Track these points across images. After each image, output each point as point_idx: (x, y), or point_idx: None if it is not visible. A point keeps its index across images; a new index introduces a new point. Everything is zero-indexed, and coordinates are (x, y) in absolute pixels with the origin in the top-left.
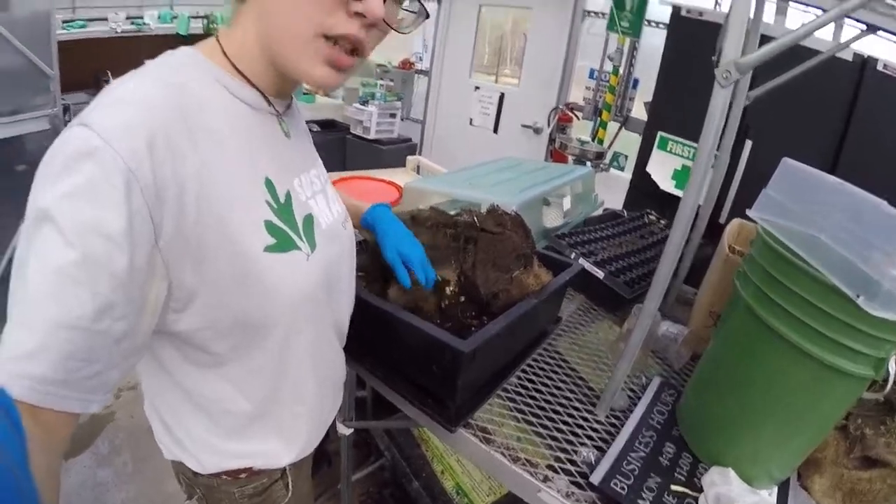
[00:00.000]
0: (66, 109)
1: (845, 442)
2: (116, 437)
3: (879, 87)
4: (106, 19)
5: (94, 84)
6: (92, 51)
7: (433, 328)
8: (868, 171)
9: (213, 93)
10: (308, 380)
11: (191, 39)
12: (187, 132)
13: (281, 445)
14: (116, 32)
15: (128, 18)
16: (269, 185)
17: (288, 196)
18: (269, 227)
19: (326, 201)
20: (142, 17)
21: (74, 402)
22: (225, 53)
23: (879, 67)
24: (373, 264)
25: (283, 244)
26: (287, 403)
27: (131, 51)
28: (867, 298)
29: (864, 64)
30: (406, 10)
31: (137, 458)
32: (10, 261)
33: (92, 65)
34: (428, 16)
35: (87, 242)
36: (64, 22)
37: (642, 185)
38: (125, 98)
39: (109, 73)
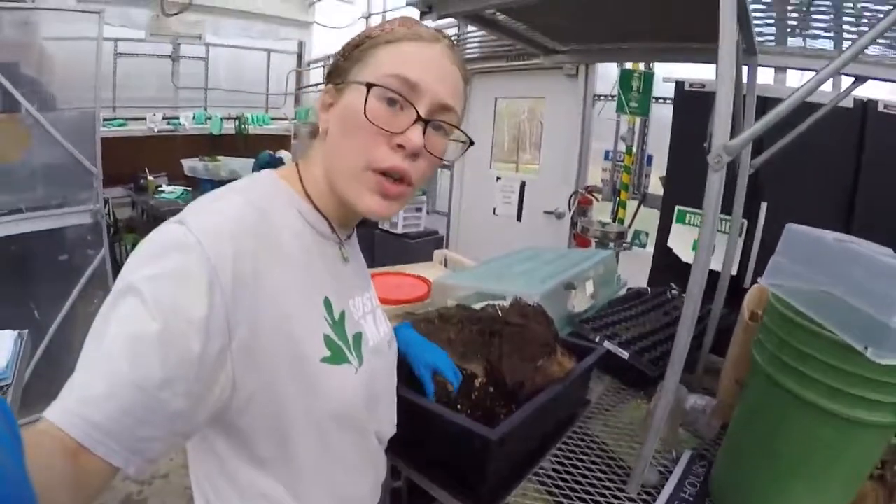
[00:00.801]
0: (105, 203)
1: (884, 490)
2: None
3: (883, 127)
4: (144, 119)
5: (131, 179)
6: (130, 148)
7: (463, 418)
8: (885, 211)
9: (289, 217)
10: (347, 481)
11: (223, 139)
12: (265, 249)
13: None
14: (153, 131)
15: (164, 118)
16: (328, 303)
17: (342, 315)
18: (328, 340)
19: (375, 322)
20: (177, 118)
21: (117, 456)
22: (302, 181)
23: (881, 108)
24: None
25: (336, 357)
26: (327, 501)
27: (167, 149)
28: (875, 349)
29: (865, 107)
30: (453, 140)
31: None
32: (52, 341)
33: (130, 161)
34: (472, 143)
35: (168, 319)
36: (105, 120)
37: (665, 260)
38: (219, 210)
39: (147, 170)
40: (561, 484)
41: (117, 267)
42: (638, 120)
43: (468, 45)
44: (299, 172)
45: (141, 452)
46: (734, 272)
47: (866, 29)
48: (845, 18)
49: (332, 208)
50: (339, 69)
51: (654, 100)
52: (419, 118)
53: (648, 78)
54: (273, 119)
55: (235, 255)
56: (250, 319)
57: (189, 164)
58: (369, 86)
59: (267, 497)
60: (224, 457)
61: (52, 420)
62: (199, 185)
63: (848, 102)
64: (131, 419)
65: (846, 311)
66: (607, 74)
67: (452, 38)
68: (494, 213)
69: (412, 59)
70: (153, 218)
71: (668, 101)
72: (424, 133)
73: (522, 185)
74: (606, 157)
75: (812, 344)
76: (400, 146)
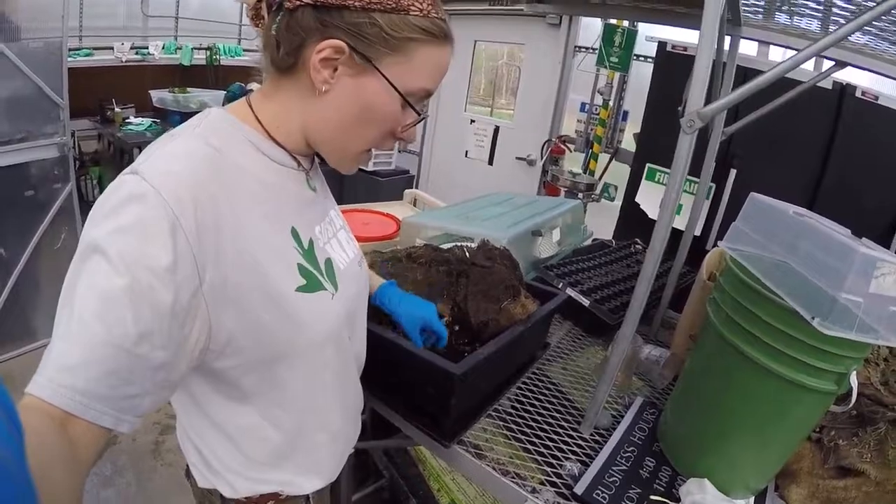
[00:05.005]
0: (71, 136)
1: (820, 453)
2: (119, 459)
3: (858, 112)
4: (111, 48)
5: (98, 111)
6: (97, 79)
7: (429, 353)
8: (850, 193)
9: (245, 152)
10: (334, 410)
11: (193, 70)
12: (224, 187)
13: (306, 473)
14: (121, 61)
15: (133, 48)
16: (295, 233)
17: (311, 243)
18: (301, 269)
19: (340, 243)
20: (146, 48)
21: (108, 418)
22: (258, 118)
23: (858, 94)
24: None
25: (311, 285)
26: (313, 433)
27: (135, 80)
28: (822, 319)
29: (843, 91)
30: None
31: (140, 479)
32: (19, 278)
33: (96, 93)
34: (426, 118)
35: (133, 272)
36: (71, 50)
37: (632, 215)
38: (173, 153)
39: (114, 101)
40: (519, 421)
41: (84, 202)
42: (617, 75)
43: None
44: (251, 106)
45: (130, 410)
46: (698, 233)
47: (856, 10)
48: (835, 1)
49: (296, 145)
50: (365, 35)
51: (634, 57)
52: (422, 118)
53: (631, 35)
54: (245, 51)
55: (194, 197)
56: (218, 259)
57: (158, 96)
58: (404, 98)
59: (252, 436)
60: (203, 400)
61: (36, 394)
62: (168, 117)
63: (827, 84)
64: (115, 379)
65: (798, 281)
66: (590, 26)
67: None
68: (466, 155)
69: (440, 68)
70: (120, 151)
71: (648, 60)
72: None
73: (496, 130)
74: (582, 109)
75: (763, 308)
76: (399, 137)
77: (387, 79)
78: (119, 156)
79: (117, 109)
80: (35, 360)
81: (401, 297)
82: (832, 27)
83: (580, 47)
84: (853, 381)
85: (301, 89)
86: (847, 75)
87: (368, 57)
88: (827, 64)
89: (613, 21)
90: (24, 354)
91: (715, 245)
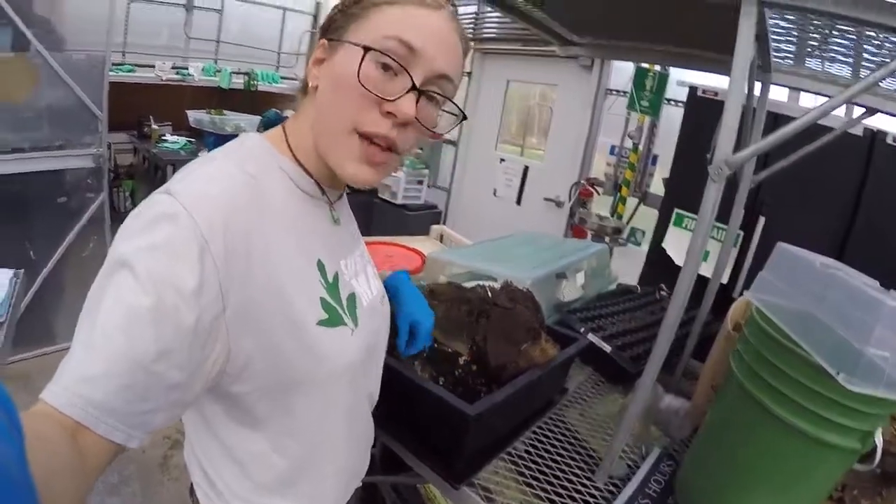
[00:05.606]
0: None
1: None
2: (126, 468)
3: (889, 159)
4: (153, 66)
5: (135, 126)
6: (137, 95)
7: (445, 392)
8: (881, 241)
9: (278, 181)
10: (341, 442)
11: (230, 93)
12: (256, 214)
13: (310, 503)
14: (161, 80)
15: (173, 68)
16: (321, 266)
17: (336, 277)
18: (324, 303)
19: (367, 279)
20: (187, 68)
21: (119, 433)
22: (288, 141)
23: (889, 140)
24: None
25: (333, 320)
26: (320, 464)
27: (174, 99)
28: (847, 374)
29: (874, 138)
30: (446, 112)
31: (146, 492)
32: (45, 281)
33: (135, 108)
34: (465, 118)
35: (160, 291)
36: (113, 65)
37: (658, 261)
38: (209, 177)
39: (151, 118)
40: (532, 466)
41: (115, 213)
42: (647, 119)
43: (486, 25)
44: (285, 132)
45: (141, 426)
46: (725, 281)
47: (887, 59)
48: (866, 47)
49: (319, 169)
50: (335, 24)
51: (665, 101)
52: (413, 87)
53: (663, 79)
54: (283, 78)
55: (226, 222)
56: (244, 286)
57: (195, 116)
58: (366, 49)
59: (260, 462)
60: (214, 423)
61: (51, 402)
62: (203, 138)
63: (857, 130)
64: (131, 394)
65: (824, 335)
66: (622, 69)
67: (456, 6)
68: (495, 194)
69: (415, 23)
70: (154, 166)
71: (679, 104)
72: (417, 102)
73: (525, 170)
74: (612, 152)
75: (787, 361)
76: (390, 114)
77: (350, 42)
78: (153, 171)
79: (154, 126)
80: (53, 363)
81: (412, 289)
82: (863, 73)
83: (611, 90)
84: (878, 439)
85: (311, 102)
86: (878, 122)
87: (338, 35)
88: (858, 111)
89: (645, 65)
90: (43, 356)
91: (742, 294)
